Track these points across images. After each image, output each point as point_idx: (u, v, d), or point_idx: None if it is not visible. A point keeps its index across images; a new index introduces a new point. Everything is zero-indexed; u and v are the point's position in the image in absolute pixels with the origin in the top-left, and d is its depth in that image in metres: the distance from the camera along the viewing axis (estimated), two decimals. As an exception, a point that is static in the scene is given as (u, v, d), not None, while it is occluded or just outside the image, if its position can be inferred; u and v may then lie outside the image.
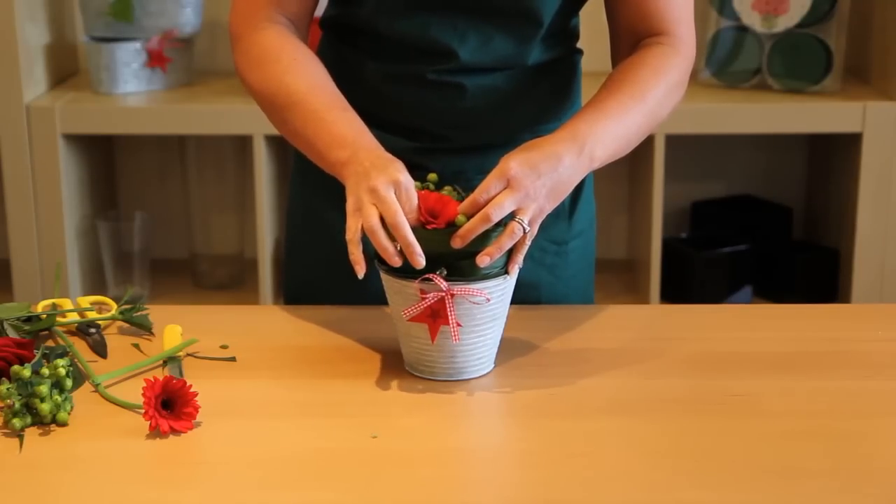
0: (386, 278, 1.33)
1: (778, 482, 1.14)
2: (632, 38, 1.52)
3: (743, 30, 2.74)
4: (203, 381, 1.29)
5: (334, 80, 1.46)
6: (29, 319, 1.47)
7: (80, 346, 1.44)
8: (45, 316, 1.48)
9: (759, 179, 3.04)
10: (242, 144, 2.84)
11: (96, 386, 1.32)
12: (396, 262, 1.28)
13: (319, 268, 1.62)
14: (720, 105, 2.67)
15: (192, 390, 1.24)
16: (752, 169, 3.03)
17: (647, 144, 2.60)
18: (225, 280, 2.92)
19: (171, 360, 1.39)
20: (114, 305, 1.53)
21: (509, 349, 1.40)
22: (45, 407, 1.23)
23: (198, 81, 2.83)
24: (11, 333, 1.43)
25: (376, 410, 1.29)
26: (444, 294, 1.28)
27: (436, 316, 1.30)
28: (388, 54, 1.51)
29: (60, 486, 1.14)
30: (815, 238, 2.98)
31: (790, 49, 2.70)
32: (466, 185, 1.37)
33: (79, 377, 1.34)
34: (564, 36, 1.56)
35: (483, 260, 1.28)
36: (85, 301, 1.55)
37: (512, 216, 1.30)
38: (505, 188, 1.31)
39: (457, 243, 1.28)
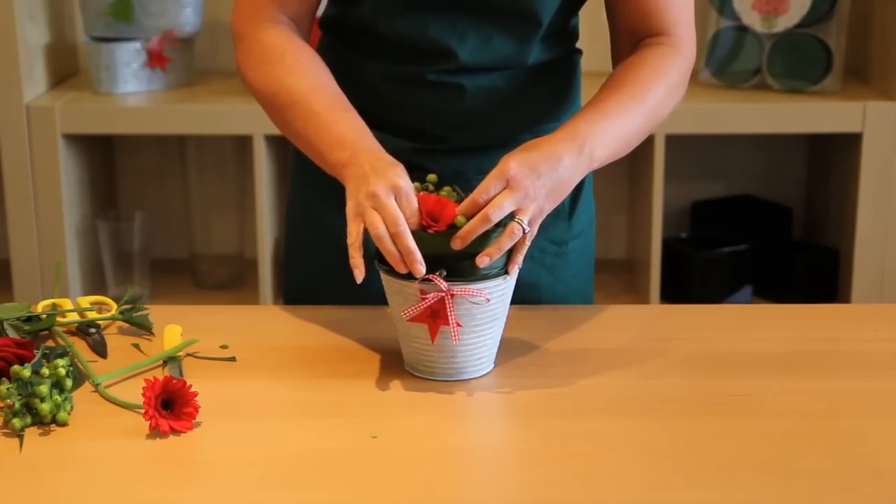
0: (386, 278, 1.33)
1: (778, 482, 1.14)
2: (632, 38, 1.52)
3: (743, 30, 2.74)
4: (203, 381, 1.29)
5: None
6: (29, 319, 1.47)
7: (80, 346, 1.44)
8: (45, 316, 1.48)
9: (759, 179, 3.04)
10: (242, 144, 2.84)
11: (96, 386, 1.32)
12: (403, 269, 1.28)
13: (319, 268, 1.62)
14: (720, 105, 2.67)
15: (192, 390, 1.24)
16: (752, 169, 3.03)
17: (647, 144, 2.60)
18: (225, 280, 2.92)
19: (171, 360, 1.39)
20: (114, 305, 1.53)
21: (509, 349, 1.40)
22: (45, 407, 1.23)
23: (198, 81, 2.83)
24: (11, 333, 1.43)
25: (376, 410, 1.29)
26: (444, 294, 1.28)
27: (436, 316, 1.30)
28: (388, 54, 1.51)
29: (60, 486, 1.14)
30: (815, 238, 2.98)
31: (790, 49, 2.70)
32: (466, 185, 1.37)
33: (79, 377, 1.34)
34: (564, 36, 1.56)
35: (483, 260, 1.28)
36: (85, 301, 1.55)
37: (511, 216, 1.30)
38: (504, 188, 1.31)
39: (457, 244, 1.28)
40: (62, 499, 1.12)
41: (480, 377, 1.35)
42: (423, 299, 1.29)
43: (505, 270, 1.32)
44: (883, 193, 2.65)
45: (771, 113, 2.65)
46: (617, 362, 1.40)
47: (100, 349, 1.44)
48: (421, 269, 1.27)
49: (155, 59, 2.73)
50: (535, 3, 1.46)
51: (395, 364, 1.38)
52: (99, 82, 2.70)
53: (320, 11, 1.60)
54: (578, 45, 1.60)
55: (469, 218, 1.29)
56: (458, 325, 1.30)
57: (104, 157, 2.93)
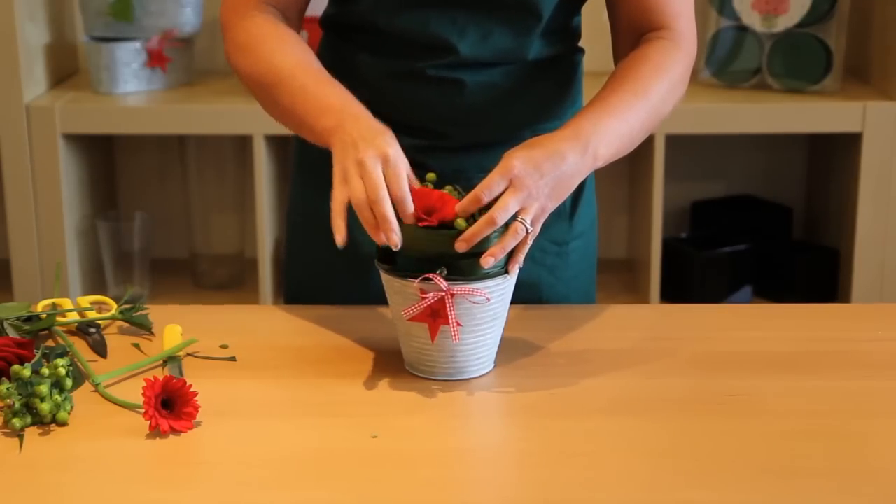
0: (386, 278, 1.33)
1: (778, 482, 1.14)
2: (633, 33, 1.52)
3: (743, 30, 2.74)
4: (203, 380, 1.29)
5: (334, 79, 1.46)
6: (29, 319, 1.47)
7: (80, 346, 1.44)
8: (45, 316, 1.48)
9: (759, 179, 3.04)
10: (242, 144, 2.84)
11: (96, 386, 1.32)
12: (379, 237, 1.28)
13: (319, 268, 1.62)
14: (720, 105, 2.67)
15: (192, 390, 1.24)
16: (752, 169, 3.03)
17: (647, 144, 2.60)
18: (225, 280, 2.92)
19: (171, 359, 1.39)
20: (114, 305, 1.53)
21: (510, 349, 1.40)
22: (45, 407, 1.23)
23: (198, 81, 2.83)
24: (11, 333, 1.42)
25: (376, 410, 1.29)
26: (444, 294, 1.28)
27: (436, 315, 1.30)
28: (388, 50, 1.51)
29: (60, 486, 1.14)
30: (815, 238, 2.98)
31: (790, 49, 2.70)
32: (466, 183, 1.36)
33: (79, 377, 1.34)
34: (565, 34, 1.55)
35: (487, 261, 1.28)
36: (85, 301, 1.55)
37: (514, 216, 1.30)
38: (508, 187, 1.30)
39: (461, 247, 1.28)
40: (62, 499, 1.12)
41: (480, 377, 1.35)
42: (423, 299, 1.29)
43: (505, 270, 1.32)
44: (883, 193, 2.65)
45: (771, 113, 2.65)
46: (617, 362, 1.40)
47: (100, 349, 1.44)
48: (396, 239, 1.27)
49: (155, 59, 2.73)
50: (535, -4, 1.46)
51: (395, 364, 1.38)
52: (99, 82, 2.70)
53: (320, 11, 1.60)
54: (580, 44, 1.60)
55: (468, 219, 1.29)
56: (459, 324, 1.30)
57: (104, 157, 2.93)
